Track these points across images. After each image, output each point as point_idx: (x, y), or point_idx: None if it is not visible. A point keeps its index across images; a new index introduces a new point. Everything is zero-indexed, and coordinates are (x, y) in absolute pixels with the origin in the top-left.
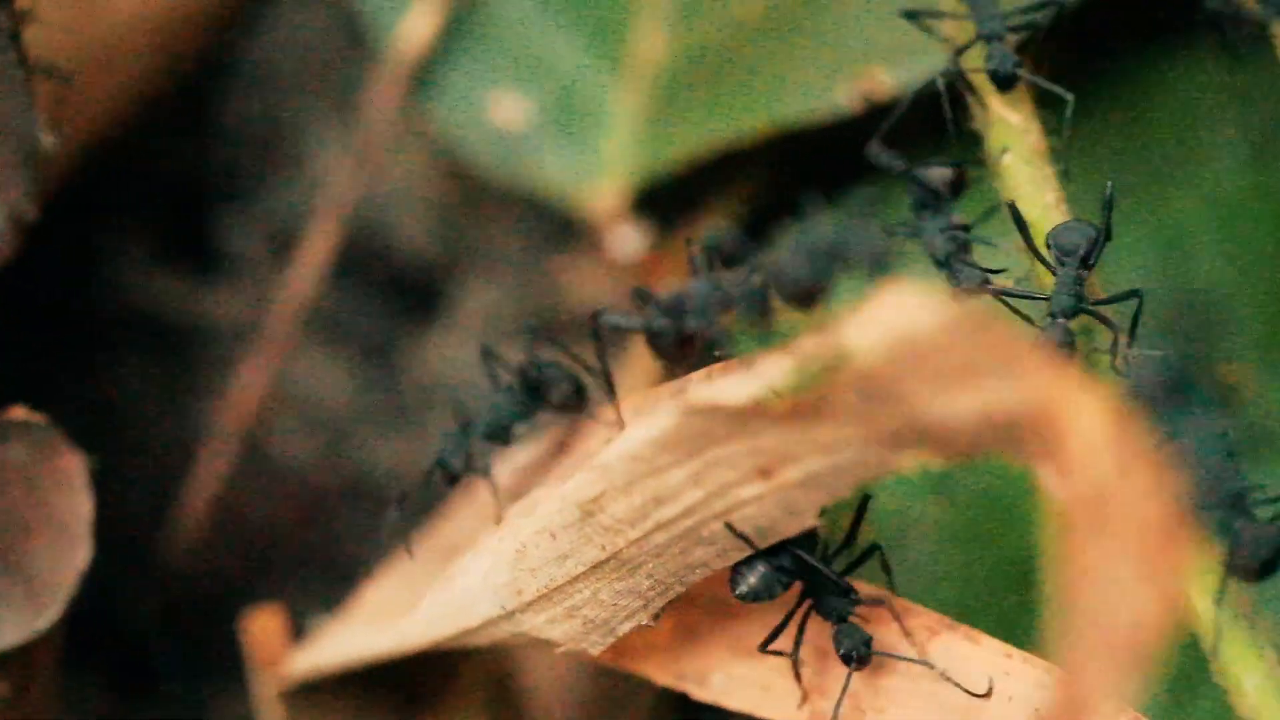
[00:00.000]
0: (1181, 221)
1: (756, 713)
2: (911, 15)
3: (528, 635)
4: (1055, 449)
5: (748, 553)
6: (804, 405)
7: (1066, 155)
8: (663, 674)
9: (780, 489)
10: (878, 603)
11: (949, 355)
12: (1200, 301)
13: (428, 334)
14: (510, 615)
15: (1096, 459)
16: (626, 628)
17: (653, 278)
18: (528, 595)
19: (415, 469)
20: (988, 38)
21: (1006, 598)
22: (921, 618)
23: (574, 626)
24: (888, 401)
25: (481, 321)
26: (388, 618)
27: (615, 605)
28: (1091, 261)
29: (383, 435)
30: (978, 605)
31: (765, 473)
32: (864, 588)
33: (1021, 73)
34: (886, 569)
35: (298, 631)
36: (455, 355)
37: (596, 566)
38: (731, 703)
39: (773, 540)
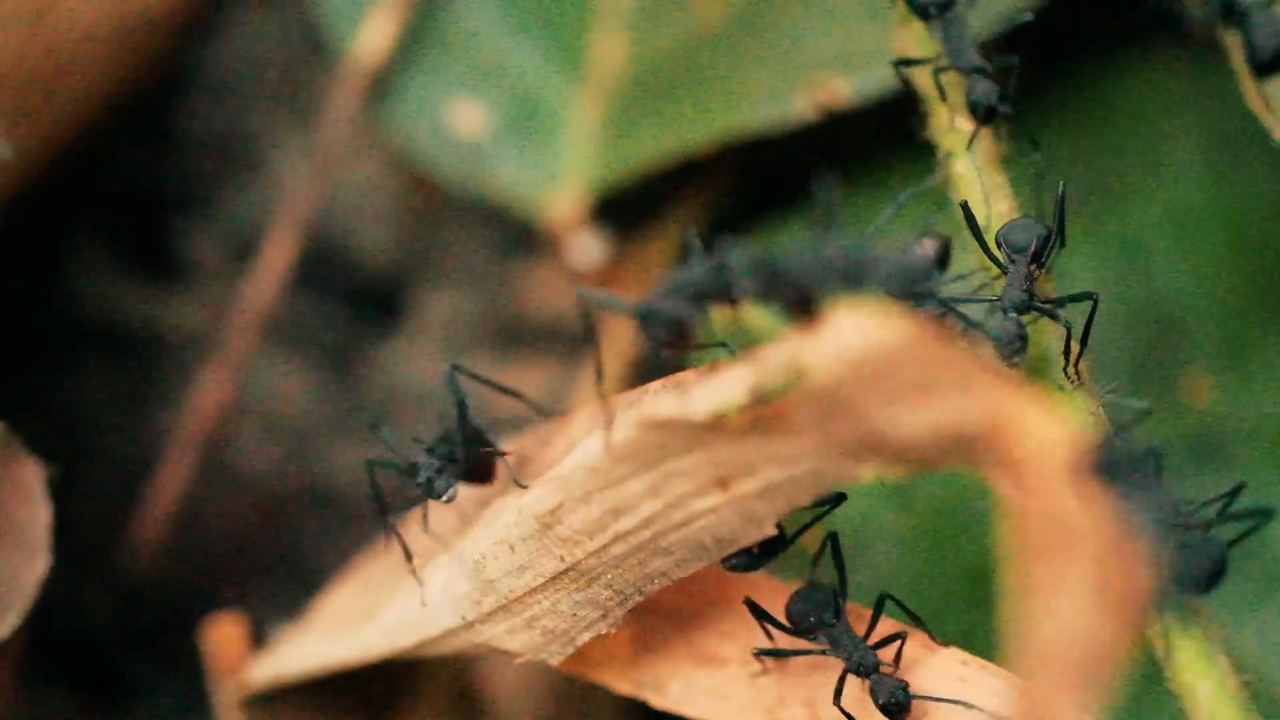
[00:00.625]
0: (1139, 231)
1: None
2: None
3: (487, 645)
4: (1012, 467)
5: (705, 563)
6: (762, 419)
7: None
8: (622, 682)
9: (738, 500)
10: (897, 637)
11: (906, 372)
12: (1158, 311)
13: (389, 342)
14: (470, 626)
15: (1053, 479)
16: (586, 638)
17: (613, 285)
18: (487, 606)
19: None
20: (968, 70)
21: (964, 605)
22: (880, 626)
23: (533, 637)
24: (845, 416)
25: (442, 329)
26: (348, 625)
27: (574, 616)
28: (1043, 260)
29: (344, 443)
30: (935, 613)
31: (723, 484)
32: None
33: (1003, 108)
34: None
35: (259, 639)
36: (416, 363)
37: (555, 578)
38: (690, 711)
39: (731, 549)
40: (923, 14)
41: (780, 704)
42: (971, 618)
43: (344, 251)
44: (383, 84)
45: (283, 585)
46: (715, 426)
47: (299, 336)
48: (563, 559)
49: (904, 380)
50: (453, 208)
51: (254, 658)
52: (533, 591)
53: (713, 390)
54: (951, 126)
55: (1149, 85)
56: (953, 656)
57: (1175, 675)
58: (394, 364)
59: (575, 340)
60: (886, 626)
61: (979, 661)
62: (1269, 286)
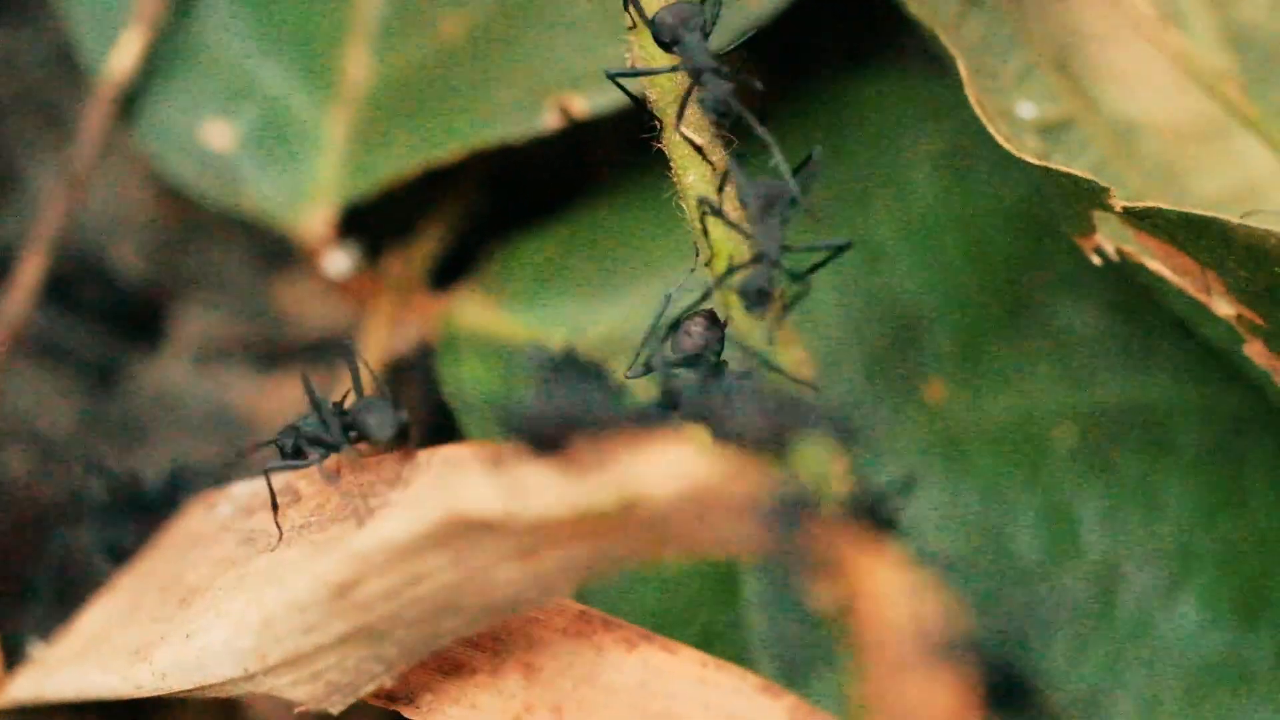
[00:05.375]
0: (879, 237)
1: None
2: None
3: (268, 694)
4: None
5: (498, 621)
6: (580, 527)
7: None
8: (375, 694)
9: (539, 572)
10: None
11: (731, 504)
12: (896, 316)
13: (148, 356)
14: (252, 677)
15: (891, 627)
16: (369, 689)
17: (367, 298)
18: (271, 660)
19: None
20: (702, 71)
21: (707, 608)
22: (620, 630)
23: (316, 688)
24: (665, 530)
25: (201, 343)
26: (118, 656)
27: (359, 670)
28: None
29: (104, 458)
30: (681, 614)
31: (525, 556)
32: (568, 604)
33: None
34: None
35: (19, 655)
36: (175, 377)
37: (345, 637)
38: None
39: (526, 611)
40: (664, 44)
41: (527, 711)
42: (713, 619)
43: (100, 268)
44: (135, 101)
45: (43, 600)
46: (532, 528)
47: (57, 352)
48: (354, 621)
49: (728, 510)
50: (208, 223)
51: (12, 674)
52: (320, 649)
53: (534, 501)
54: (681, 135)
55: (885, 96)
56: (692, 658)
57: None
58: (153, 378)
59: (334, 352)
60: (628, 633)
61: (717, 662)
62: (1000, 291)
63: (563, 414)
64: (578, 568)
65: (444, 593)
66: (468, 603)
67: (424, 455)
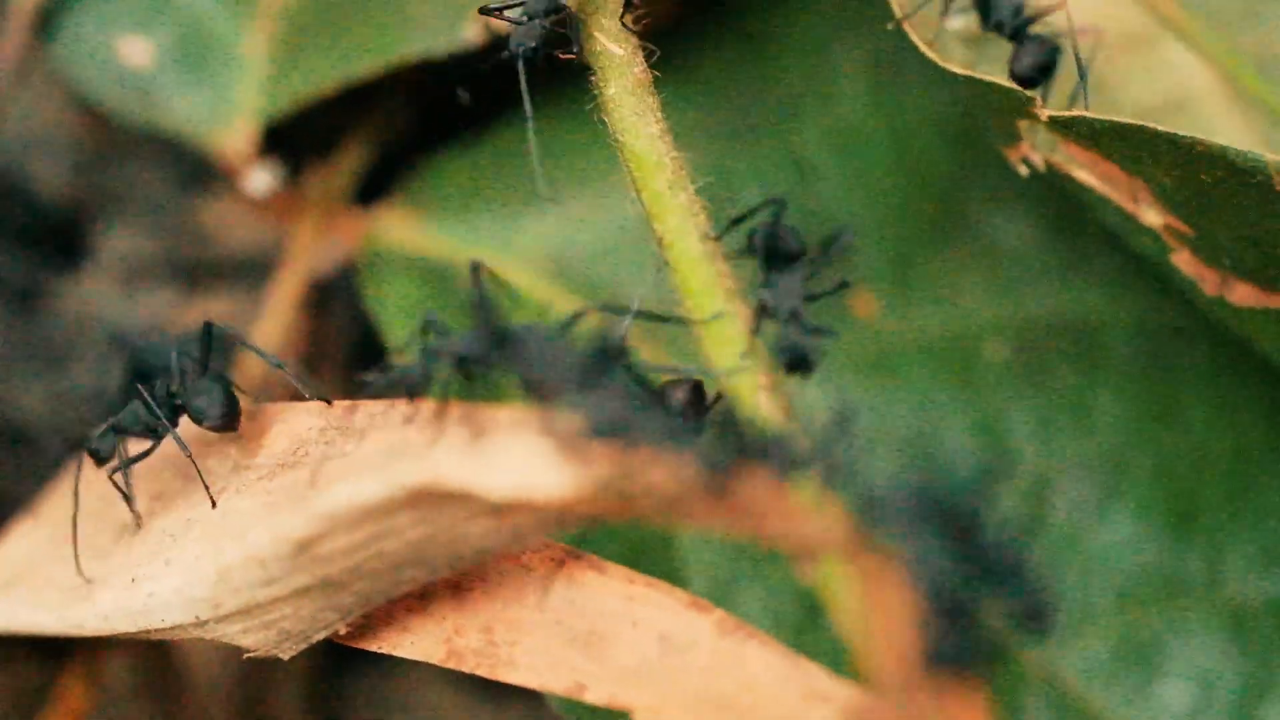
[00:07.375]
0: (808, 151)
1: (395, 653)
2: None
3: (217, 640)
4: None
5: (460, 570)
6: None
7: None
8: None
9: (509, 526)
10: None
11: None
12: (826, 229)
13: (71, 278)
14: (203, 624)
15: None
16: (320, 636)
17: (290, 216)
18: (225, 609)
19: (64, 412)
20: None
21: (634, 526)
22: (549, 550)
23: (269, 636)
24: (654, 512)
25: (124, 263)
26: (48, 586)
27: (315, 619)
28: None
29: (30, 379)
30: (607, 533)
31: (498, 515)
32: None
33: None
34: None
35: None
36: (100, 298)
37: (303, 589)
38: (373, 645)
39: (489, 559)
40: None
41: (458, 633)
42: (641, 537)
43: (20, 188)
44: (52, 18)
45: None
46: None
47: None
48: (315, 574)
49: (728, 510)
50: (128, 142)
51: None
52: (277, 600)
53: (520, 476)
54: (604, 50)
55: (813, 7)
56: (620, 574)
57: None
58: (77, 300)
59: (257, 272)
60: (556, 552)
61: (645, 579)
62: (930, 204)
63: (600, 414)
64: (548, 523)
65: (410, 548)
66: (434, 555)
67: (379, 406)
